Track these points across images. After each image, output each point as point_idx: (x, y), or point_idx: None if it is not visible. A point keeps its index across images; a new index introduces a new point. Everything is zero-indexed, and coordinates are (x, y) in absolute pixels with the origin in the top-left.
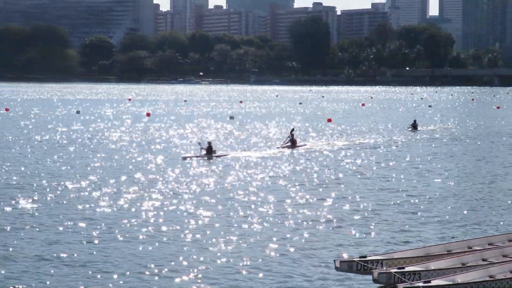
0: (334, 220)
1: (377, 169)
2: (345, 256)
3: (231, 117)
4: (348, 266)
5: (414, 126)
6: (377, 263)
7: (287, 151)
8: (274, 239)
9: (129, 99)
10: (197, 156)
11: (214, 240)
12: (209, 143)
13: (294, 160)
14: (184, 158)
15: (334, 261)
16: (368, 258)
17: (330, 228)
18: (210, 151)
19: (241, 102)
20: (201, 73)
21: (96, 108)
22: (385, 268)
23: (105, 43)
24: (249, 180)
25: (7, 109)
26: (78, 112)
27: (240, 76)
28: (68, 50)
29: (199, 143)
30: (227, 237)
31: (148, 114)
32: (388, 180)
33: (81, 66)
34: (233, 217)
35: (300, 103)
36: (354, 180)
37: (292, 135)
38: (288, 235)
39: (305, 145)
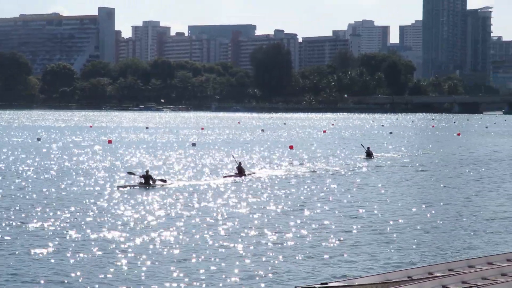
0: (294, 245)
1: (336, 195)
2: (306, 282)
3: (194, 144)
4: None
5: (369, 154)
6: None
7: (237, 179)
8: (234, 264)
9: (90, 126)
10: (132, 186)
11: (167, 270)
12: (147, 171)
13: (248, 188)
14: (119, 187)
15: (295, 287)
16: (329, 284)
17: (290, 254)
18: (147, 180)
19: (202, 128)
20: (162, 100)
21: (57, 135)
22: None
23: (67, 70)
24: (192, 208)
25: None
26: (38, 139)
27: (202, 103)
28: (30, 77)
29: (130, 173)
30: (184, 265)
31: (109, 141)
32: (347, 206)
33: (42, 93)
34: (182, 246)
35: (262, 130)
36: (313, 206)
37: (240, 163)
38: (249, 261)
39: (254, 173)
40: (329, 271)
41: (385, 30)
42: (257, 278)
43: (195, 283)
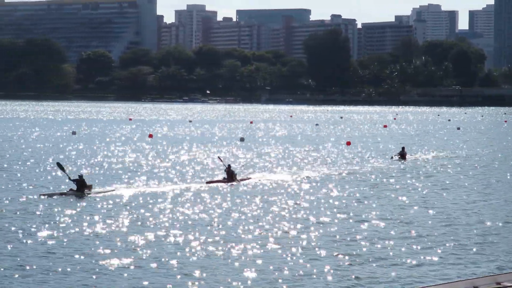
0: (369, 252)
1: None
2: None
3: (242, 139)
4: None
5: (402, 155)
6: None
7: (224, 186)
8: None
9: (130, 119)
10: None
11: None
12: (229, 166)
13: (308, 189)
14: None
15: None
16: None
17: (367, 261)
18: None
19: (251, 122)
20: (208, 91)
21: (94, 129)
22: None
23: (104, 58)
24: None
25: None
26: (74, 133)
27: (251, 95)
28: (64, 65)
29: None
30: (232, 271)
31: (150, 136)
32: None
33: (77, 82)
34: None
35: (317, 125)
36: (362, 211)
37: (229, 166)
38: (331, 265)
39: (248, 178)
40: (408, 277)
41: (452, 15)
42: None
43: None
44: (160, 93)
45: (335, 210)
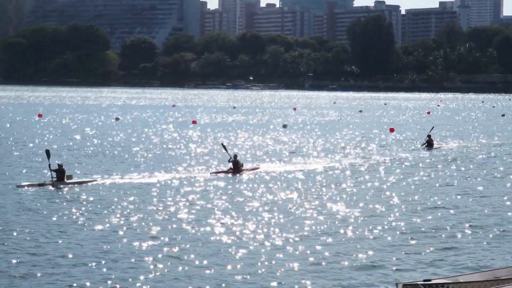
0: (393, 241)
1: (438, 187)
2: (408, 279)
3: (285, 126)
4: None
5: (429, 143)
6: (442, 287)
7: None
8: (335, 260)
9: (173, 105)
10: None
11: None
12: (235, 156)
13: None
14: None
15: (397, 284)
16: (433, 281)
17: (390, 250)
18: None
19: (295, 109)
20: (251, 77)
21: (137, 115)
22: None
23: (147, 44)
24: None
25: (40, 115)
26: (117, 119)
27: (294, 81)
28: (107, 52)
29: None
30: (286, 258)
31: (194, 122)
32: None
33: (120, 69)
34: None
35: (360, 111)
36: (409, 198)
37: (235, 156)
38: (348, 257)
39: (257, 168)
40: (431, 267)
41: (497, 0)
42: (357, 274)
43: (297, 273)
44: (203, 80)
45: (357, 200)
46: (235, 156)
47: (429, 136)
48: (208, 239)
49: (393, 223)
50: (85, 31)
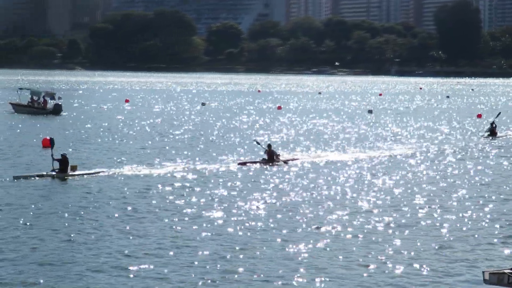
0: (479, 230)
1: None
2: (495, 267)
3: (370, 111)
4: (498, 279)
5: (492, 132)
6: None
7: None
8: (418, 250)
9: (259, 91)
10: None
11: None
12: (269, 146)
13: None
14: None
15: (483, 273)
16: None
17: (476, 239)
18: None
19: (381, 94)
20: (337, 63)
21: (223, 100)
22: None
23: (233, 30)
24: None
25: (127, 100)
26: (203, 104)
27: (380, 67)
28: (193, 37)
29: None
30: (359, 251)
31: (279, 108)
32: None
33: (206, 54)
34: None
35: (448, 97)
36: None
37: (269, 146)
38: (433, 246)
39: (295, 159)
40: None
41: None
42: (442, 263)
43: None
44: (289, 65)
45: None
46: (269, 146)
47: (491, 124)
48: (223, 231)
49: (468, 213)
50: (171, 16)
